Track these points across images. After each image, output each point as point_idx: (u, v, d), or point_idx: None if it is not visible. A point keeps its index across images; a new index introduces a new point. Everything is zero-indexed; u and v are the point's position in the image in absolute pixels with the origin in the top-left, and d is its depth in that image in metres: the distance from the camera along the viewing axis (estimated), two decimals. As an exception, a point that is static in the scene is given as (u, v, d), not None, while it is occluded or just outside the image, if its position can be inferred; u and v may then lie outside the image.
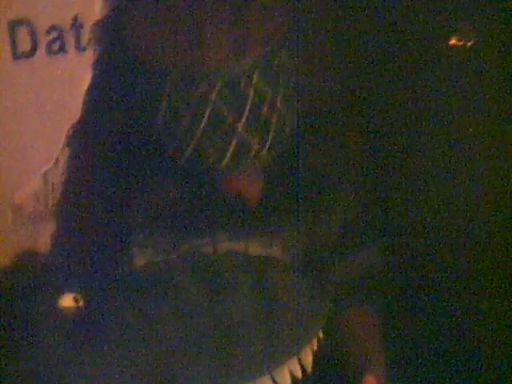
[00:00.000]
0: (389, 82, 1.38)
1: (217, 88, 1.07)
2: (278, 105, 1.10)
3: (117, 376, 0.99)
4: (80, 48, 1.48)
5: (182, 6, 1.10)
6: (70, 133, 1.23)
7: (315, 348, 1.14)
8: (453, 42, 1.34)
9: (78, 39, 1.48)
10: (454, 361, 1.38)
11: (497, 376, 1.38)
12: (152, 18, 1.13)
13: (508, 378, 1.37)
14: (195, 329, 1.03)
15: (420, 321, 1.39)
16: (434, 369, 1.37)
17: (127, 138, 1.19)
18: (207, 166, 1.10)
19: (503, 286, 1.38)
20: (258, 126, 1.08)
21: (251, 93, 1.07)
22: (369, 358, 1.22)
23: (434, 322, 1.39)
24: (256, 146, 1.09)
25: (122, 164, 1.20)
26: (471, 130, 1.35)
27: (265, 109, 1.09)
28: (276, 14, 1.11)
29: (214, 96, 1.07)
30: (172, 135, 1.11)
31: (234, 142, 1.08)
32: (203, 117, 1.07)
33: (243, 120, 1.08)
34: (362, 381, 1.18)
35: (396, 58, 1.37)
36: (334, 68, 1.29)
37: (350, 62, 1.34)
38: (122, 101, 1.19)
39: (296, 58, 1.14)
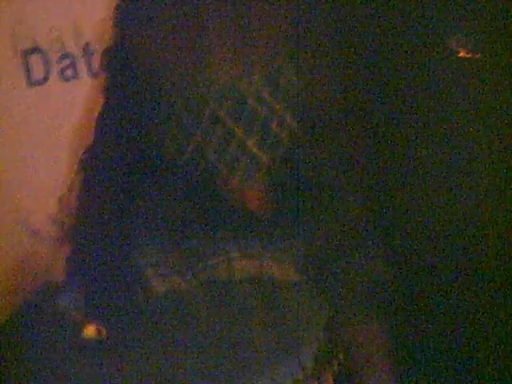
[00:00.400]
0: (388, 85, 1.38)
1: (225, 106, 1.08)
2: (288, 120, 1.12)
3: None
4: (91, 74, 1.50)
5: (189, 27, 1.12)
6: (83, 157, 1.25)
7: (336, 371, 1.16)
8: (453, 47, 1.36)
9: (89, 66, 1.50)
10: (458, 362, 1.38)
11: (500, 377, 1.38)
12: (161, 42, 1.15)
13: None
14: (209, 348, 1.05)
15: (425, 327, 1.40)
16: (439, 373, 1.37)
17: (139, 162, 1.21)
18: (219, 182, 1.12)
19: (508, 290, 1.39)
20: (268, 142, 1.10)
21: (260, 109, 1.09)
22: (371, 357, 1.23)
23: (440, 328, 1.40)
24: (267, 162, 1.11)
25: (135, 187, 1.22)
26: (472, 131, 1.35)
27: (274, 125, 1.10)
28: (282, 31, 1.13)
29: (223, 114, 1.09)
30: (182, 153, 1.12)
31: (244, 159, 1.10)
32: (213, 134, 1.09)
33: (254, 136, 1.10)
34: None
35: (396, 64, 1.38)
36: (336, 75, 1.30)
37: (352, 70, 1.35)
38: (133, 125, 1.21)
39: (299, 65, 1.15)
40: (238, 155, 1.10)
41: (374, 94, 1.38)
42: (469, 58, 1.36)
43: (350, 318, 1.19)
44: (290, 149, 1.15)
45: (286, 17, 1.15)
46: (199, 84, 1.10)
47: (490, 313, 1.39)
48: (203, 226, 1.16)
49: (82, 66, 1.51)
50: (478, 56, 1.36)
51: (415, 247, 1.39)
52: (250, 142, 1.10)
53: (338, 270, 1.19)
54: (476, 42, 1.36)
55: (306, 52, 1.16)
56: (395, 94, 1.38)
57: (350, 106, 1.30)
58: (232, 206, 1.15)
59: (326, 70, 1.22)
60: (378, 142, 1.38)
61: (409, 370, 1.30)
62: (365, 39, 1.37)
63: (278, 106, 1.11)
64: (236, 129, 1.09)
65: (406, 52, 1.37)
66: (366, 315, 1.23)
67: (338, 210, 1.21)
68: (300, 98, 1.14)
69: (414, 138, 1.38)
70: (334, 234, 1.20)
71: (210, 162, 1.11)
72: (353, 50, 1.34)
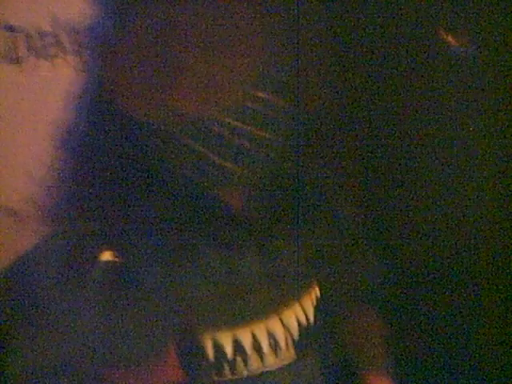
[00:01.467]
0: (384, 86, 1.38)
1: (192, 131, 1.09)
2: (263, 135, 1.12)
3: (150, 321, 1.11)
4: (71, 53, 1.49)
5: (157, 52, 1.12)
6: (62, 137, 1.24)
7: (314, 301, 1.22)
8: (447, 40, 1.35)
9: (70, 44, 1.49)
10: (455, 360, 1.39)
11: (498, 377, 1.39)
12: (128, 60, 1.14)
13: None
14: (214, 284, 1.13)
15: (421, 322, 1.40)
16: (436, 369, 1.38)
17: (117, 141, 1.20)
18: (194, 189, 1.14)
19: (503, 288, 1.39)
20: (240, 157, 1.11)
21: (228, 133, 1.10)
22: (371, 357, 1.26)
23: (436, 324, 1.41)
24: (240, 173, 1.12)
25: (113, 166, 1.21)
26: (470, 132, 1.36)
27: (246, 143, 1.11)
28: (251, 57, 1.12)
29: (189, 140, 1.09)
30: (155, 162, 1.14)
31: (216, 172, 1.11)
32: (179, 155, 1.10)
33: (223, 156, 1.10)
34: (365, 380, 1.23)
35: (392, 62, 1.38)
36: (331, 78, 1.30)
37: (347, 70, 1.35)
38: (111, 105, 1.20)
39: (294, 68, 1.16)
40: (208, 170, 1.11)
41: (367, 96, 1.38)
42: (461, 51, 1.36)
43: (348, 311, 1.26)
44: (279, 154, 1.16)
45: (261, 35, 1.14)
46: (165, 109, 1.11)
47: (487, 309, 1.40)
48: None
49: (62, 45, 1.49)
50: (470, 50, 1.36)
51: (412, 247, 1.40)
52: (219, 160, 1.11)
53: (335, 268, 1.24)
54: (469, 34, 1.36)
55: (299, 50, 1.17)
56: (390, 94, 1.38)
57: (345, 111, 1.31)
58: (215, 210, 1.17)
59: (317, 77, 1.23)
60: (374, 142, 1.39)
61: (406, 364, 1.31)
62: (355, 38, 1.37)
63: (248, 127, 1.11)
64: (204, 151, 1.10)
65: (400, 49, 1.37)
66: (364, 308, 1.27)
67: (333, 211, 1.25)
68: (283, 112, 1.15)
69: (410, 137, 1.39)
70: (330, 234, 1.24)
71: (181, 174, 1.13)
72: (345, 51, 1.34)
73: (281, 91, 1.14)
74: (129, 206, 1.17)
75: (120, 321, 1.09)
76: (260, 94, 1.12)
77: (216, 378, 1.13)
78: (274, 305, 1.15)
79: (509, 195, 1.39)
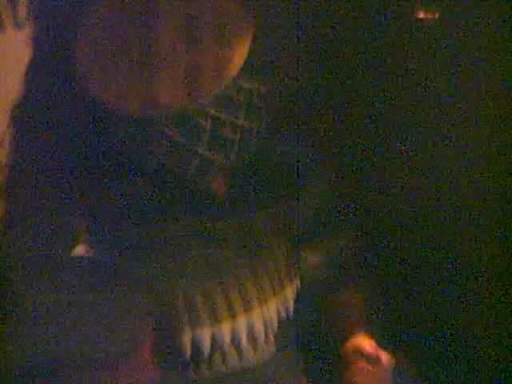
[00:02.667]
0: (360, 67, 1.39)
1: (170, 122, 1.09)
2: (241, 123, 1.13)
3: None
4: (18, 25, 1.45)
5: (135, 46, 1.12)
6: (14, 112, 1.22)
7: (294, 293, 1.23)
8: (419, 15, 1.35)
9: (15, 15, 1.45)
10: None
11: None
12: (104, 51, 1.14)
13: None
14: (194, 277, 1.14)
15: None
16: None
17: (72, 116, 1.18)
18: (174, 178, 1.13)
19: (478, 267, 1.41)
20: (219, 145, 1.12)
21: (208, 123, 1.10)
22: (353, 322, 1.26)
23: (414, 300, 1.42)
24: (220, 161, 1.13)
25: (68, 142, 1.19)
26: (449, 113, 1.35)
27: (225, 131, 1.12)
28: (230, 50, 1.12)
29: (168, 130, 1.09)
30: (130, 151, 1.13)
31: (195, 162, 1.11)
32: (159, 145, 1.10)
33: (202, 145, 1.11)
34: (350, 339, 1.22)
35: (364, 40, 1.38)
36: (301, 61, 1.31)
37: (320, 51, 1.36)
38: (64, 78, 1.17)
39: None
40: (188, 160, 1.11)
41: (344, 74, 1.38)
42: (428, 19, 1.36)
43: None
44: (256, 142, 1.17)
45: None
46: (144, 102, 1.11)
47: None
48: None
49: (6, 17, 1.46)
50: (436, 16, 1.36)
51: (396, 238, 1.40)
52: (199, 148, 1.12)
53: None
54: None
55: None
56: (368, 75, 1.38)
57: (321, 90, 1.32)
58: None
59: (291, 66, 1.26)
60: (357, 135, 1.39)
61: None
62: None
63: (227, 116, 1.12)
64: (183, 141, 1.11)
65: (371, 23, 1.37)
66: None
67: (312, 194, 1.26)
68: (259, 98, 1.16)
69: (392, 127, 1.39)
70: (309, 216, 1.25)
71: (160, 163, 1.12)
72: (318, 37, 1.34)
73: (259, 79, 1.16)
74: (101, 195, 1.15)
75: (94, 315, 1.07)
76: (239, 82, 1.13)
77: (193, 376, 1.13)
78: (255, 298, 1.14)
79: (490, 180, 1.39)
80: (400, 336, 1.33)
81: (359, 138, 1.41)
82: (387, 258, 1.41)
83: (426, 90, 1.38)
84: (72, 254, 1.11)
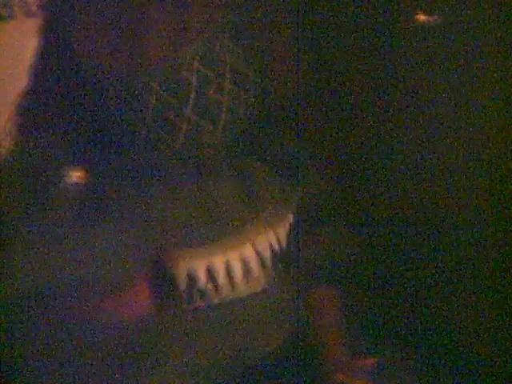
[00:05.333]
0: (354, 65, 1.37)
1: (158, 77, 1.09)
2: (227, 86, 1.12)
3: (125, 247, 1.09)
4: (28, 14, 1.45)
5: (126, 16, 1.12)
6: (21, 102, 1.21)
7: (287, 227, 1.22)
8: (419, 18, 1.34)
9: (25, 5, 1.45)
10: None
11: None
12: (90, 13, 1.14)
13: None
14: (188, 208, 1.14)
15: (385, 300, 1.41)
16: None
17: (78, 106, 1.17)
18: (162, 147, 1.12)
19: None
20: (207, 108, 1.11)
21: (194, 78, 1.10)
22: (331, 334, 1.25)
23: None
24: (209, 127, 1.12)
25: (73, 133, 1.18)
26: (444, 113, 1.34)
27: (211, 91, 1.11)
28: (211, 2, 1.13)
29: (155, 85, 1.09)
30: (122, 119, 1.13)
31: (184, 126, 1.10)
32: (149, 105, 1.10)
33: (190, 104, 1.10)
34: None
35: (361, 40, 1.36)
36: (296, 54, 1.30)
37: (312, 47, 1.35)
38: (70, 68, 1.17)
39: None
40: (177, 122, 1.11)
41: (336, 72, 1.37)
42: (428, 22, 1.34)
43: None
44: (245, 119, 1.17)
45: None
46: (129, 56, 1.11)
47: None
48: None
49: (16, 5, 1.45)
50: (436, 20, 1.34)
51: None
52: (186, 109, 1.11)
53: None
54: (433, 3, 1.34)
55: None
56: (362, 72, 1.37)
57: (313, 85, 1.32)
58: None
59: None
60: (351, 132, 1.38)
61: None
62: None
63: (212, 74, 1.12)
64: (171, 99, 1.10)
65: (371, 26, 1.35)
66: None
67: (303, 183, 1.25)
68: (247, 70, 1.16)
69: (385, 125, 1.37)
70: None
71: (150, 128, 1.12)
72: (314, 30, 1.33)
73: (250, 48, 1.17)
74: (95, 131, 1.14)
75: (89, 245, 1.07)
76: (232, 45, 1.14)
77: (185, 307, 1.12)
78: (249, 231, 1.15)
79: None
80: (395, 336, 1.33)
81: (356, 135, 1.41)
82: (384, 256, 1.40)
83: (423, 91, 1.37)
84: (63, 184, 1.11)
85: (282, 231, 1.19)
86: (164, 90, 1.09)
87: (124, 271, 1.08)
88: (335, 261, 1.28)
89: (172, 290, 1.11)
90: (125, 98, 1.11)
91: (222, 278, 1.12)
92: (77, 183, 1.10)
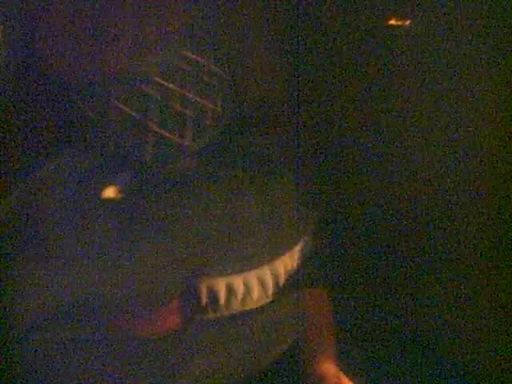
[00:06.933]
0: (331, 68, 1.37)
1: (117, 92, 1.09)
2: (189, 97, 1.12)
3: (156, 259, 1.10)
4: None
5: (77, 9, 1.11)
6: None
7: (301, 249, 1.24)
8: (391, 22, 1.36)
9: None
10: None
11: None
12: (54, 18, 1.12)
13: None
14: (214, 225, 1.14)
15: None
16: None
17: (48, 114, 1.16)
18: (132, 160, 1.12)
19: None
20: (172, 120, 1.11)
21: (154, 91, 1.09)
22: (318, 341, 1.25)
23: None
24: (176, 140, 1.11)
25: (48, 132, 1.16)
26: (418, 114, 1.35)
27: (175, 104, 1.11)
28: (170, 12, 1.12)
29: (116, 101, 1.09)
30: (92, 132, 1.12)
31: (149, 140, 1.10)
32: (112, 119, 1.10)
33: (153, 117, 1.10)
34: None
35: (336, 44, 1.37)
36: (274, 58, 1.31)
37: (288, 48, 1.34)
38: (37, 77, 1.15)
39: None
40: (144, 137, 1.10)
41: (313, 75, 1.37)
42: (398, 25, 1.36)
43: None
44: (220, 127, 1.17)
45: None
46: (89, 71, 1.11)
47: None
48: None
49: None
50: (407, 23, 1.36)
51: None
52: (151, 123, 1.10)
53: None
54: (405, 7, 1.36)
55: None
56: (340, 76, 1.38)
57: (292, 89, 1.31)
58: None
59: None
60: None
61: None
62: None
63: (173, 86, 1.11)
64: (134, 114, 1.10)
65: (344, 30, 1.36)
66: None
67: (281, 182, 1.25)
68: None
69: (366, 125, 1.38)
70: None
71: (118, 143, 1.11)
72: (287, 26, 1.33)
73: (216, 57, 1.16)
74: None
75: (130, 260, 1.08)
76: (191, 55, 1.13)
77: (198, 318, 1.13)
78: (267, 253, 1.16)
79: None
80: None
81: (347, 136, 1.41)
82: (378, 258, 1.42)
83: (413, 94, 1.39)
84: (102, 197, 1.11)
85: (297, 252, 1.21)
86: (123, 102, 1.09)
87: (166, 287, 1.09)
88: (326, 263, 1.30)
89: (195, 305, 1.13)
90: (90, 113, 1.10)
91: (240, 295, 1.13)
92: (111, 199, 1.11)
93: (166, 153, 1.11)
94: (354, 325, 1.35)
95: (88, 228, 1.08)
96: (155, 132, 1.09)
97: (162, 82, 1.09)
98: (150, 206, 1.11)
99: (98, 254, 1.07)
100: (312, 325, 1.25)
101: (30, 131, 1.15)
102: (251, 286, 1.14)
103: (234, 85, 1.19)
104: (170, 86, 1.10)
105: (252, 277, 1.14)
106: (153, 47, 1.10)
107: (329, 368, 1.19)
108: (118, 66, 1.09)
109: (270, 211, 1.18)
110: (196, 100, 1.12)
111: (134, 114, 1.09)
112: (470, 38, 1.34)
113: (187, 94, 1.11)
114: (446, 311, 1.39)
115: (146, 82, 1.09)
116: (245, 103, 1.26)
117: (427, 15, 1.35)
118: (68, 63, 1.10)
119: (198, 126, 1.12)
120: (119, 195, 1.11)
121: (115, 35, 1.09)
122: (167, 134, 1.10)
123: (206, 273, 1.12)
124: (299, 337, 1.23)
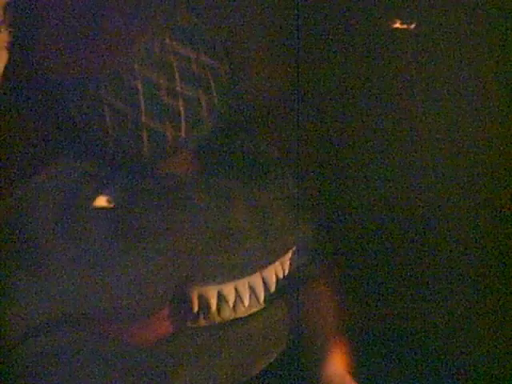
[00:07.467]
0: (332, 69, 1.37)
1: (105, 85, 1.08)
2: (179, 90, 1.11)
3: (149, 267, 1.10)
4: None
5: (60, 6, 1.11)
6: None
7: (291, 255, 1.24)
8: (396, 25, 1.34)
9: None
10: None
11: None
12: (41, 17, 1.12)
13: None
14: (206, 233, 1.14)
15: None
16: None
17: (43, 121, 1.16)
18: (130, 157, 1.12)
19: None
20: (163, 113, 1.10)
21: (139, 84, 1.08)
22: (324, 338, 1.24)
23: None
24: (171, 133, 1.10)
25: (40, 148, 1.18)
26: (417, 116, 1.34)
27: (163, 96, 1.10)
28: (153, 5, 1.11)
29: (104, 94, 1.08)
30: (84, 130, 1.12)
31: (144, 134, 1.09)
32: (103, 115, 1.09)
33: (142, 111, 1.09)
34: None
35: (339, 45, 1.36)
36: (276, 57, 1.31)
37: (291, 50, 1.33)
38: (42, 83, 1.15)
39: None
40: (136, 131, 1.10)
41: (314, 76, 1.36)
42: (403, 28, 1.35)
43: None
44: (215, 121, 1.16)
45: None
46: (76, 64, 1.10)
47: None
48: None
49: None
50: (412, 26, 1.35)
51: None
52: (141, 117, 1.10)
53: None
54: (410, 10, 1.35)
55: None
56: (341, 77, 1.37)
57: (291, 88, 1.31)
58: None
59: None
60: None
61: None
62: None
63: (158, 78, 1.10)
64: (122, 107, 1.09)
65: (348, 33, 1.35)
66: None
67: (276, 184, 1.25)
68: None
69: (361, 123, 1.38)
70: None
71: (111, 139, 1.11)
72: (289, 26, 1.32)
73: (209, 50, 1.14)
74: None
75: (120, 269, 1.08)
76: (179, 48, 1.11)
77: (190, 325, 1.14)
78: (258, 260, 1.17)
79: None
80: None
81: (344, 136, 1.41)
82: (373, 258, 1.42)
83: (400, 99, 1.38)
84: (92, 205, 1.11)
85: (288, 259, 1.20)
86: (113, 98, 1.08)
87: (156, 294, 1.10)
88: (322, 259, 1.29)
89: (186, 312, 1.13)
90: (84, 110, 1.10)
91: (231, 303, 1.14)
92: (105, 208, 1.11)
93: (163, 146, 1.11)
94: (354, 325, 1.35)
95: (79, 237, 1.08)
96: (149, 126, 1.09)
97: (145, 73, 1.08)
98: (141, 214, 1.11)
99: (88, 262, 1.08)
100: (316, 324, 1.25)
101: (22, 137, 1.17)
102: (242, 294, 1.15)
103: (232, 77, 1.18)
104: (154, 77, 1.09)
105: (243, 284, 1.15)
106: (136, 40, 1.08)
107: (336, 369, 1.18)
108: (103, 62, 1.08)
109: (262, 218, 1.18)
110: (186, 92, 1.11)
111: (126, 109, 1.08)
112: (470, 38, 1.34)
113: (177, 86, 1.10)
114: (445, 311, 1.39)
115: (132, 76, 1.08)
116: (245, 100, 1.26)
117: (427, 15, 1.35)
118: (56, 62, 1.10)
119: (193, 118, 1.12)
120: (111, 204, 1.12)
121: (98, 30, 1.08)
122: (161, 128, 1.09)
123: (197, 280, 1.12)
124: (301, 338, 1.23)
